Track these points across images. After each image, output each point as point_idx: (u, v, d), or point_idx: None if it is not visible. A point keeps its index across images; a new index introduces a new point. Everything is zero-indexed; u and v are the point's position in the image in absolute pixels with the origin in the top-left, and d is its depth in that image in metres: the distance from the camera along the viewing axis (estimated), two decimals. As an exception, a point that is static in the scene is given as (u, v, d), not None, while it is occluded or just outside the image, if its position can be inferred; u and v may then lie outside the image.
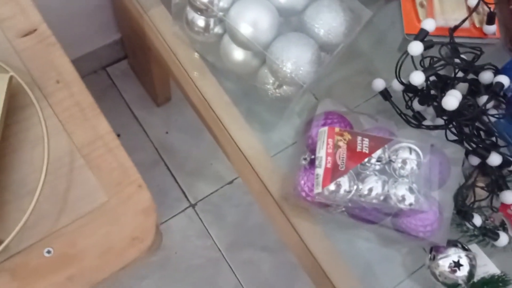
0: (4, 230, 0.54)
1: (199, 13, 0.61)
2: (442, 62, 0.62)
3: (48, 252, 0.55)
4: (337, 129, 0.55)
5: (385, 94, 0.68)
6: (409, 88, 0.67)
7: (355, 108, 0.70)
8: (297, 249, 0.66)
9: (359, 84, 0.72)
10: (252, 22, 0.57)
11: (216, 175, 1.11)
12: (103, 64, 1.12)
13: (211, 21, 0.63)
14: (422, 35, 0.63)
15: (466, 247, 0.59)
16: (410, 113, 0.68)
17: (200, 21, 0.63)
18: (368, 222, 0.59)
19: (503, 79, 0.62)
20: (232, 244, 1.06)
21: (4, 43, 0.63)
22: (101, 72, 1.12)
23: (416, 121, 0.67)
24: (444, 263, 0.58)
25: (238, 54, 0.63)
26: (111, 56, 1.12)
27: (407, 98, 0.68)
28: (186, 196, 1.09)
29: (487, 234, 0.61)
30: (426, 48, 0.62)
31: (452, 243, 0.59)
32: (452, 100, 0.58)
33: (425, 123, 0.66)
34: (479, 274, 0.59)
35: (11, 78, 0.58)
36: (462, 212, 0.61)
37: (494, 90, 0.62)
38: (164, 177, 1.08)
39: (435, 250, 0.60)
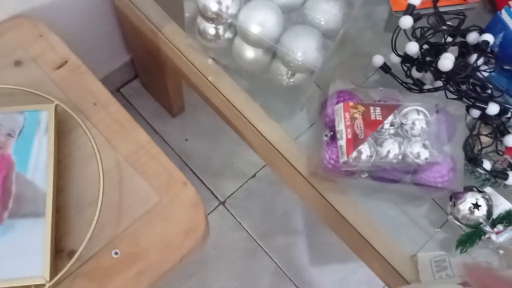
0: (74, 241, 0.62)
1: (210, 22, 0.69)
2: (431, 30, 0.70)
3: (116, 253, 0.63)
4: (351, 104, 0.63)
5: (385, 68, 0.75)
6: (406, 59, 0.74)
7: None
8: (332, 220, 0.73)
9: (358, 64, 0.79)
10: (260, 22, 0.64)
11: (239, 171, 1.18)
12: (117, 87, 1.20)
13: (221, 28, 0.70)
14: (410, 9, 0.70)
15: (481, 190, 0.67)
16: (410, 81, 0.74)
17: (211, 30, 0.70)
18: (391, 182, 0.66)
19: (488, 37, 0.69)
20: (265, 232, 1.13)
21: (43, 77, 0.70)
22: (116, 94, 1.19)
23: (417, 87, 0.74)
24: (464, 207, 0.65)
25: (249, 53, 0.70)
26: (123, 78, 1.19)
27: (405, 68, 0.75)
28: (215, 195, 1.16)
29: (498, 176, 0.68)
30: (415, 20, 0.70)
31: (468, 189, 0.66)
32: (446, 62, 0.65)
33: (426, 87, 0.73)
34: (496, 212, 0.66)
35: (56, 106, 0.65)
36: (473, 159, 0.68)
37: (481, 48, 0.69)
38: (191, 181, 1.14)
39: (454, 198, 0.67)
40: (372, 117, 0.62)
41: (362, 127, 0.61)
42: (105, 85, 0.71)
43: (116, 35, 1.03)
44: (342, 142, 0.61)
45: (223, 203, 1.16)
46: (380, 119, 0.62)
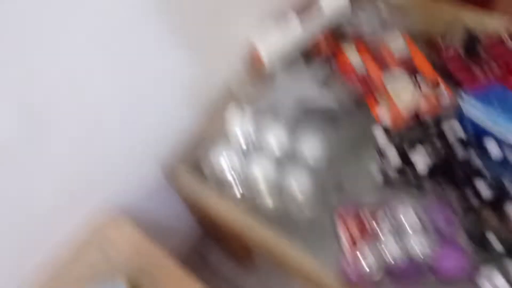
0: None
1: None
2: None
3: None
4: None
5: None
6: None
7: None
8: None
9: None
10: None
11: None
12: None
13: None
14: (385, 131, 0.83)
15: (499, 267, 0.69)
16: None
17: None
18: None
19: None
20: None
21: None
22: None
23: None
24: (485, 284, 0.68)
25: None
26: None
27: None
28: None
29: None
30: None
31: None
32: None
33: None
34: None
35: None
36: (479, 241, 0.72)
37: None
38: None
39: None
40: (367, 225, 0.72)
41: (359, 236, 0.71)
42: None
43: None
44: (348, 255, 0.71)
45: None
46: (374, 225, 0.71)
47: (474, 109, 0.79)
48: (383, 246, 0.70)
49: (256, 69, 1.07)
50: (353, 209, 0.75)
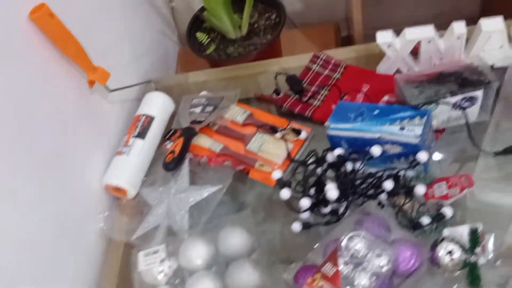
0: None
1: None
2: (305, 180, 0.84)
3: None
4: (309, 280, 0.71)
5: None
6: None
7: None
8: None
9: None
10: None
11: None
12: None
13: None
14: (282, 183, 0.85)
15: (441, 239, 0.75)
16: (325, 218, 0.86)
17: None
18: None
19: (338, 151, 0.85)
20: None
21: None
22: None
23: (334, 218, 0.85)
24: (445, 261, 0.73)
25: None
26: None
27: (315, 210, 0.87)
28: None
29: (439, 220, 0.78)
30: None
31: (433, 245, 0.75)
32: (331, 192, 0.79)
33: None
34: (465, 241, 0.75)
35: None
36: (414, 225, 0.78)
37: (341, 159, 0.85)
38: None
39: (432, 262, 0.75)
40: (330, 273, 0.71)
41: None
42: None
43: None
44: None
45: None
46: (336, 270, 0.71)
47: (337, 129, 0.86)
48: (356, 283, 0.70)
49: (123, 204, 1.00)
50: (310, 272, 0.74)
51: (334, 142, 0.88)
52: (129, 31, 1.24)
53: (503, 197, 0.81)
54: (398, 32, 0.97)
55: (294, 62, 1.14)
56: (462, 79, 0.87)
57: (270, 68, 1.15)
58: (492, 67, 0.97)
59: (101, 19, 1.09)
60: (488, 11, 1.57)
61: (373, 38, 0.97)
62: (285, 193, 0.83)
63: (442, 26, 0.97)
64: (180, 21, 1.56)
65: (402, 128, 0.81)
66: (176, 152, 0.99)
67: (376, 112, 0.85)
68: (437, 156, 0.88)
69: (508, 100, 0.94)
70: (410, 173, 0.84)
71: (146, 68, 1.32)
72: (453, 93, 0.85)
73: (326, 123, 0.87)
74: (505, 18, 0.93)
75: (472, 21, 0.96)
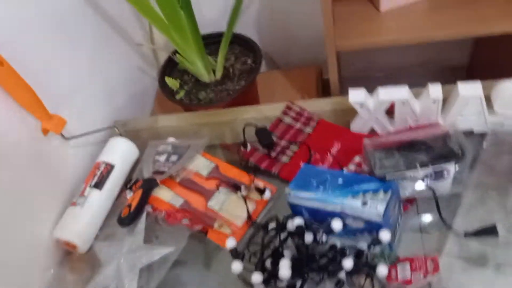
0: None
1: None
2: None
3: None
4: None
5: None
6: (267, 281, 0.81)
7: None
8: None
9: None
10: None
11: None
12: None
13: None
14: (235, 254, 0.79)
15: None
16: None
17: None
18: None
19: (298, 220, 0.79)
20: None
21: None
22: None
23: None
24: None
25: None
26: None
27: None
28: None
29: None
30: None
31: None
32: (284, 270, 0.73)
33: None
34: None
35: None
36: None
37: (300, 229, 0.79)
38: None
39: None
40: None
41: None
42: None
43: None
44: None
45: None
46: None
47: (297, 198, 0.81)
48: None
49: (74, 259, 0.95)
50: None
51: (295, 210, 0.82)
52: (100, 68, 1.20)
53: (471, 285, 0.75)
54: (385, 77, 0.92)
55: (267, 111, 1.10)
56: (435, 149, 0.82)
57: (241, 116, 1.10)
58: (471, 132, 0.92)
59: (64, 57, 1.04)
60: (477, 59, 1.55)
61: (360, 82, 0.91)
62: (237, 267, 0.77)
63: (430, 74, 0.92)
64: (162, 58, 1.52)
65: (364, 203, 0.75)
66: (133, 206, 0.94)
67: (340, 181, 0.80)
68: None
69: (486, 168, 0.88)
70: (376, 248, 0.79)
71: (120, 106, 1.27)
72: (423, 165, 0.80)
73: (287, 190, 0.82)
74: (493, 68, 0.88)
75: (461, 70, 0.91)
